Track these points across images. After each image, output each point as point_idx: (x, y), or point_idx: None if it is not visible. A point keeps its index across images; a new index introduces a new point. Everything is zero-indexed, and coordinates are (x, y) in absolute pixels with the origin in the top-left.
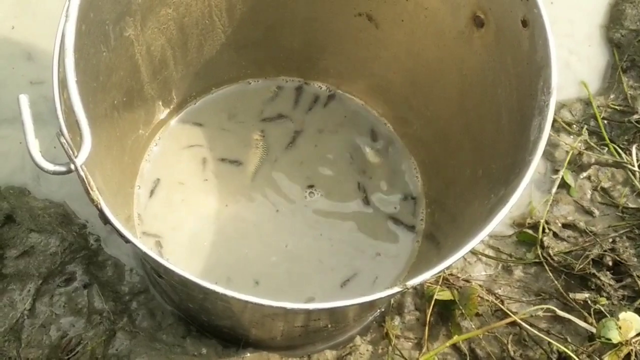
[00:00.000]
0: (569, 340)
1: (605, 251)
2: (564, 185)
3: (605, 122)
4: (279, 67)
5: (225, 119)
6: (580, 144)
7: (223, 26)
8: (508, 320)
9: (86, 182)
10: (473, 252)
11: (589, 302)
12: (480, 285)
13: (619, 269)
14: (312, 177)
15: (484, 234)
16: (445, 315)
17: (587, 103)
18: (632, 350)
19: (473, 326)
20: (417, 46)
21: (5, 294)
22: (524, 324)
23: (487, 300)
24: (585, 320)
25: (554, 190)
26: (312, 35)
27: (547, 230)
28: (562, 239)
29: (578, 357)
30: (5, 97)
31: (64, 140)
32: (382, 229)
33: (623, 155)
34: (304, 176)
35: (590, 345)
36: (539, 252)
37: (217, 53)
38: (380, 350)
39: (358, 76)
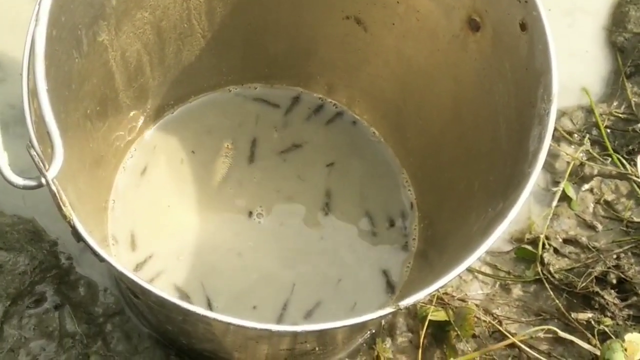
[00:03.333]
0: None
1: (609, 268)
2: (564, 198)
3: (608, 131)
4: (262, 74)
5: (204, 128)
6: (582, 155)
7: (202, 30)
8: (506, 342)
9: (58, 197)
10: (469, 270)
11: (593, 322)
12: (476, 305)
13: (623, 287)
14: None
15: (481, 251)
16: (439, 336)
17: (589, 111)
18: None
19: (469, 348)
20: (408, 51)
21: None
22: (523, 346)
23: (484, 321)
24: (589, 342)
25: (554, 203)
26: (297, 40)
27: (547, 246)
28: (563, 255)
29: None
30: None
31: (35, 153)
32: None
33: (627, 166)
34: (278, 191)
35: None
36: (539, 269)
37: (196, 59)
38: None
39: (346, 83)
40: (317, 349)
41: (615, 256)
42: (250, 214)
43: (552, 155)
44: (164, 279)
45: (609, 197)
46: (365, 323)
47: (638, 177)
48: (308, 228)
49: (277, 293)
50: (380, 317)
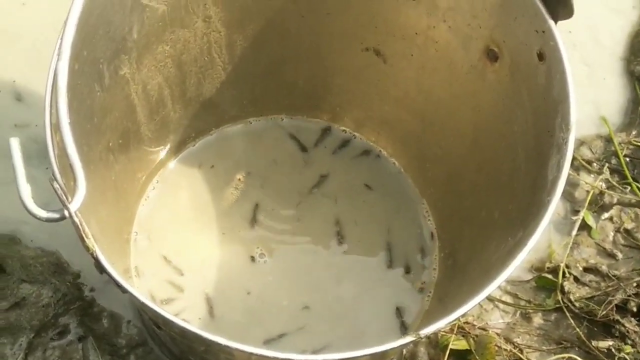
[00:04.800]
0: None
1: (629, 296)
2: (584, 226)
3: (628, 159)
4: (283, 105)
5: (225, 160)
6: (601, 183)
7: (223, 63)
8: None
9: (81, 230)
10: (490, 299)
11: (613, 350)
12: (497, 334)
13: None
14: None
15: (501, 279)
16: None
17: (608, 140)
18: None
19: None
20: (427, 82)
21: None
22: None
23: (505, 350)
24: None
25: (574, 232)
26: (316, 72)
27: (567, 275)
28: (584, 284)
29: None
30: None
31: (57, 186)
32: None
33: None
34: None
35: None
36: (560, 297)
37: (217, 91)
38: None
39: (366, 114)
40: None
41: (635, 284)
42: (262, 254)
43: (572, 184)
44: (187, 312)
45: (629, 225)
46: (387, 352)
47: None
48: (325, 263)
49: (288, 327)
50: (401, 345)
